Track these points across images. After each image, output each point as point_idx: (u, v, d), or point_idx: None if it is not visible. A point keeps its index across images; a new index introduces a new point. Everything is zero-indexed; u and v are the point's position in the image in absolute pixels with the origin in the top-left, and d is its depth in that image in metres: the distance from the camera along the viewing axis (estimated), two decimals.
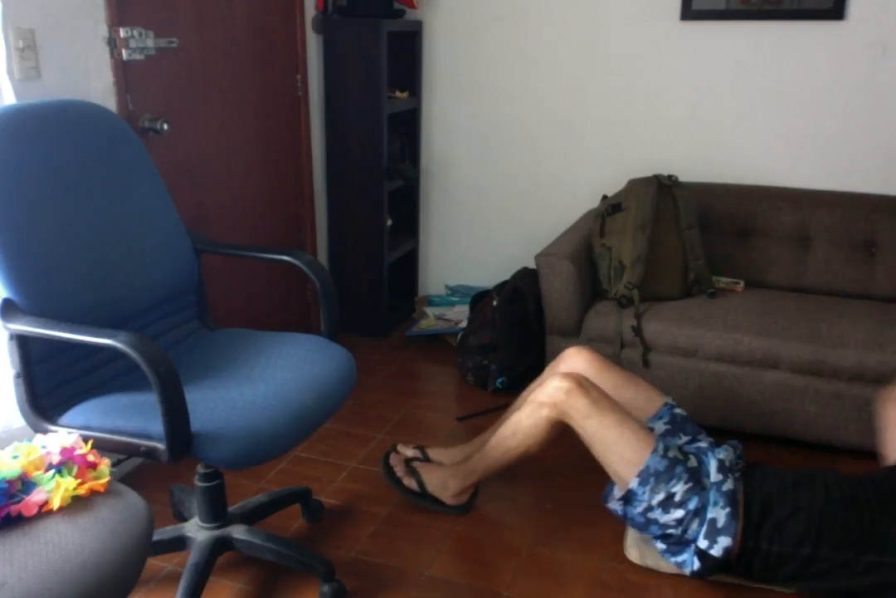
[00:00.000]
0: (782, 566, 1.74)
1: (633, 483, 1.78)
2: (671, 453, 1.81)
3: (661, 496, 1.77)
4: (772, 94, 2.84)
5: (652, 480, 1.76)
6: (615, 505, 1.86)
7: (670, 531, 1.78)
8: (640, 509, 1.80)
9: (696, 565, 1.77)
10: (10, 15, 1.77)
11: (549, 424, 1.89)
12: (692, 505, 1.76)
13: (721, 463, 1.83)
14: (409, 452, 2.25)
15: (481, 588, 1.86)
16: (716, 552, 1.73)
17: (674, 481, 1.77)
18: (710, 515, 1.75)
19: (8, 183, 1.52)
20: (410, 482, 2.11)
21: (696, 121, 2.95)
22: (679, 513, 1.76)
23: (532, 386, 2.19)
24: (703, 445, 1.97)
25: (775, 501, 1.77)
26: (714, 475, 1.81)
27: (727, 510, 1.74)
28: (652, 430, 1.91)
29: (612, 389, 1.99)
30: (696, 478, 1.79)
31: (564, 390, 1.84)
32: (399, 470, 2.13)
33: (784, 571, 1.74)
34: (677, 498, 1.76)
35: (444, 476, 2.09)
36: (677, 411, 2.04)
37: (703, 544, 1.74)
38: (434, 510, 2.10)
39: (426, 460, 2.23)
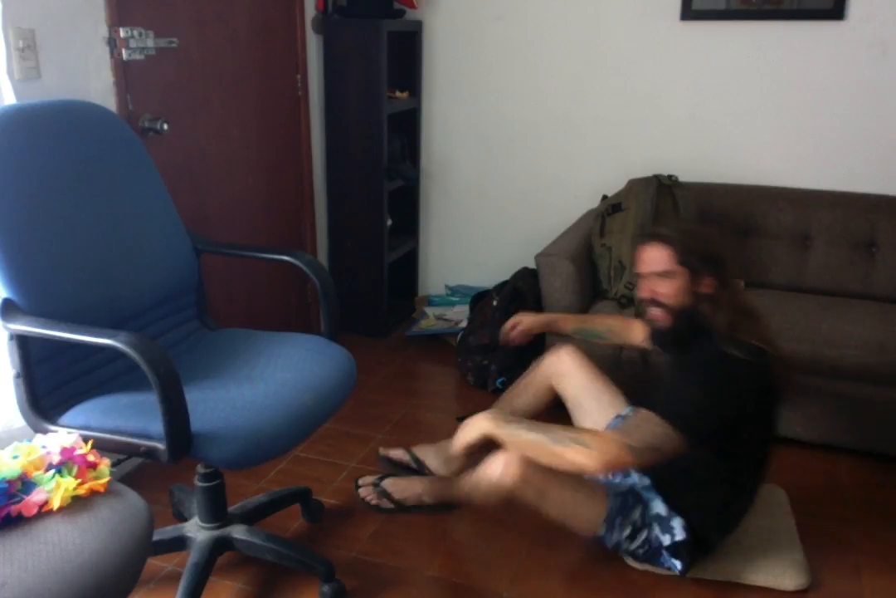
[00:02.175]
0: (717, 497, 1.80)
1: (601, 531, 1.81)
2: (619, 489, 1.85)
3: (628, 531, 1.81)
4: (772, 94, 2.84)
5: (617, 520, 1.80)
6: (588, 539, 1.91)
7: (639, 550, 1.83)
8: (611, 544, 1.84)
9: (678, 564, 1.81)
10: (10, 15, 1.77)
11: (502, 501, 1.83)
12: (649, 519, 1.82)
13: None
14: (397, 453, 2.26)
15: (481, 588, 1.86)
16: (679, 536, 1.78)
17: (631, 512, 1.81)
18: (653, 512, 1.81)
19: (8, 183, 1.52)
20: (387, 503, 2.08)
21: (696, 121, 2.95)
22: (644, 533, 1.82)
23: (520, 381, 2.22)
24: None
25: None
26: (637, 478, 1.89)
27: (659, 497, 1.82)
28: None
29: (578, 393, 2.10)
30: (639, 497, 1.85)
31: (507, 488, 1.76)
32: (372, 498, 2.09)
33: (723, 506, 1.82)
34: (639, 523, 1.81)
35: (415, 489, 2.07)
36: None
37: (666, 540, 1.79)
38: (429, 513, 2.10)
39: (413, 458, 2.23)
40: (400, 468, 2.25)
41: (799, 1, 2.70)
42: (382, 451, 2.29)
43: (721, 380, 1.71)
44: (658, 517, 1.81)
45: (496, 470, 1.74)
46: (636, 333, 2.13)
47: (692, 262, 1.75)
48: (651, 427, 1.66)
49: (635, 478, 1.91)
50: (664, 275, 1.77)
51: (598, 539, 1.83)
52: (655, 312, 1.82)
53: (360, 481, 2.14)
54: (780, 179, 2.89)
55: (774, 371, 1.73)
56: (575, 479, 1.81)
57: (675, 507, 1.81)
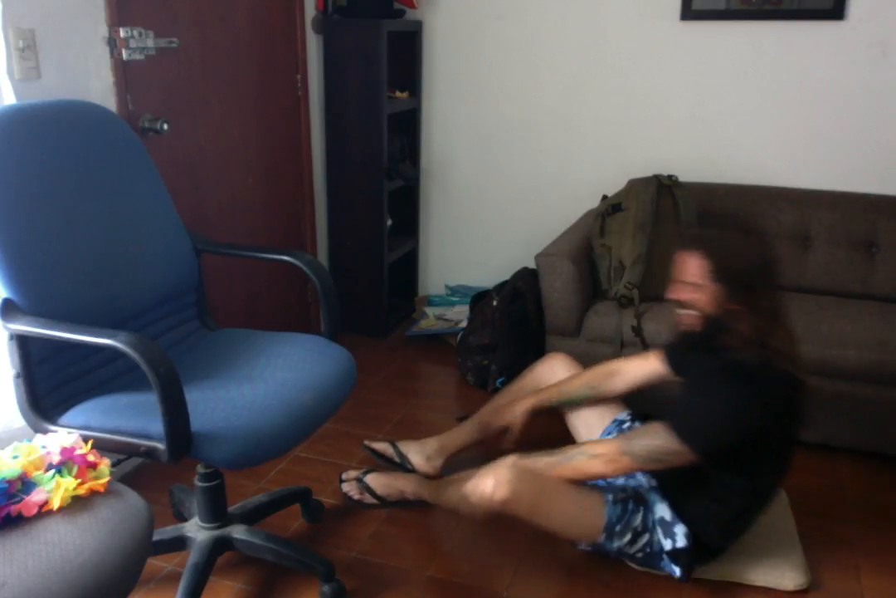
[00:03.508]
0: (724, 514, 1.79)
1: (601, 539, 1.81)
2: (619, 496, 1.83)
3: (628, 537, 1.80)
4: (772, 94, 2.84)
5: (617, 528, 1.79)
6: (586, 547, 1.90)
7: (639, 554, 1.83)
8: (612, 551, 1.83)
9: (677, 570, 1.80)
10: (10, 15, 1.77)
11: (489, 514, 1.83)
12: (650, 523, 1.81)
13: None
14: (381, 446, 2.29)
15: (481, 588, 1.86)
16: (680, 543, 1.77)
17: (632, 518, 1.80)
18: (657, 515, 1.80)
19: (8, 183, 1.52)
20: (369, 498, 2.11)
21: (697, 121, 2.95)
22: (645, 538, 1.81)
23: (516, 382, 2.24)
24: None
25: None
26: (643, 479, 1.87)
27: (665, 501, 1.80)
28: None
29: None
30: (641, 499, 1.83)
31: (498, 502, 1.74)
32: (354, 493, 2.12)
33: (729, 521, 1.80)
34: (640, 528, 1.80)
35: (397, 485, 2.10)
36: (626, 426, 2.05)
37: (667, 545, 1.78)
38: (419, 507, 2.12)
39: (397, 452, 2.26)
40: (383, 461, 2.28)
41: (799, 1, 2.70)
42: (367, 442, 2.32)
43: (743, 396, 1.67)
44: (662, 522, 1.80)
45: (487, 485, 1.73)
46: (632, 371, 2.05)
47: (725, 282, 1.69)
48: (658, 441, 1.69)
49: (641, 479, 1.90)
50: (696, 285, 1.72)
51: (598, 547, 1.83)
52: (685, 314, 1.77)
53: (344, 476, 2.17)
54: (780, 179, 2.89)
55: (798, 391, 1.70)
56: (569, 491, 1.81)
57: (680, 513, 1.79)
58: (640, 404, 2.11)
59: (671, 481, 1.83)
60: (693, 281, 1.72)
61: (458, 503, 1.84)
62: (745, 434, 1.70)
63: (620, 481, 1.96)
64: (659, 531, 1.80)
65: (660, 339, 2.44)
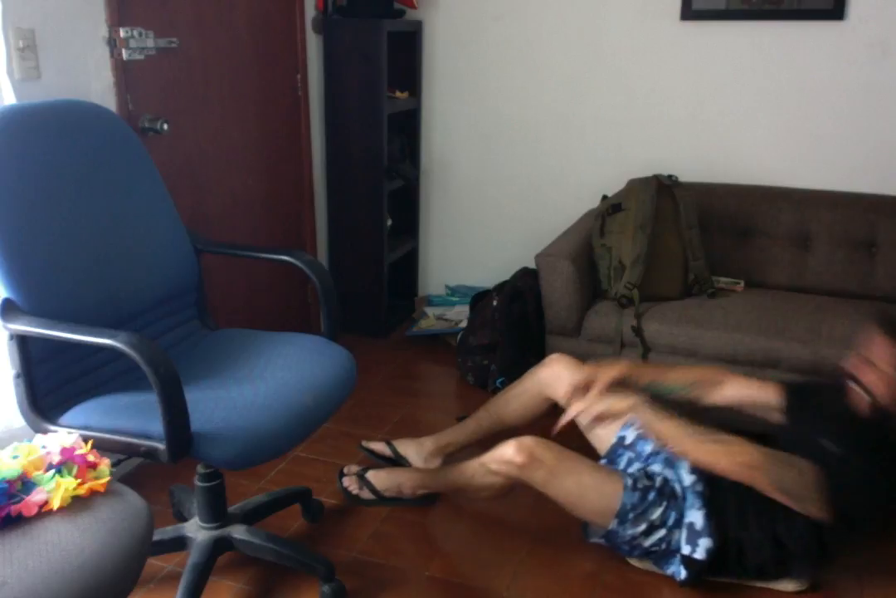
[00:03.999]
0: (773, 549, 1.74)
1: (613, 524, 1.78)
2: (640, 484, 1.80)
3: (642, 527, 1.78)
4: (772, 94, 2.84)
5: (631, 515, 1.77)
6: (598, 540, 1.88)
7: (654, 548, 1.80)
8: (624, 541, 1.81)
9: (683, 573, 1.78)
10: (10, 15, 1.77)
11: (504, 487, 1.87)
12: (671, 520, 1.78)
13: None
14: (378, 446, 2.30)
15: (481, 588, 1.85)
16: (699, 555, 1.74)
17: (651, 510, 1.78)
18: (687, 519, 1.77)
19: (8, 183, 1.52)
20: (368, 494, 2.12)
21: (696, 121, 2.95)
22: (661, 532, 1.78)
23: (518, 385, 2.21)
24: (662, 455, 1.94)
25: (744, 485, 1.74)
26: (687, 478, 1.82)
27: (703, 510, 1.76)
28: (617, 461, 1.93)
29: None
30: (669, 494, 1.80)
31: (518, 465, 1.78)
32: (353, 488, 2.13)
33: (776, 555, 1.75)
34: (658, 522, 1.78)
35: (397, 479, 2.10)
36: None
37: (686, 550, 1.76)
38: (414, 507, 2.12)
39: (394, 452, 2.27)
40: (381, 460, 2.29)
41: (799, 1, 2.70)
42: (364, 443, 2.33)
43: None
44: (690, 527, 1.75)
45: (509, 450, 1.78)
46: (741, 389, 1.97)
47: None
48: (803, 482, 1.66)
49: (683, 475, 1.83)
50: (880, 371, 1.68)
51: (611, 536, 1.80)
52: (857, 394, 1.73)
53: (345, 470, 2.19)
54: (780, 179, 2.88)
55: None
56: (589, 465, 1.80)
57: (714, 530, 1.74)
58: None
59: (731, 500, 1.76)
60: (878, 365, 1.69)
61: (469, 479, 1.86)
62: (874, 523, 1.69)
63: (656, 467, 1.89)
64: (684, 532, 1.76)
65: (660, 339, 2.44)
